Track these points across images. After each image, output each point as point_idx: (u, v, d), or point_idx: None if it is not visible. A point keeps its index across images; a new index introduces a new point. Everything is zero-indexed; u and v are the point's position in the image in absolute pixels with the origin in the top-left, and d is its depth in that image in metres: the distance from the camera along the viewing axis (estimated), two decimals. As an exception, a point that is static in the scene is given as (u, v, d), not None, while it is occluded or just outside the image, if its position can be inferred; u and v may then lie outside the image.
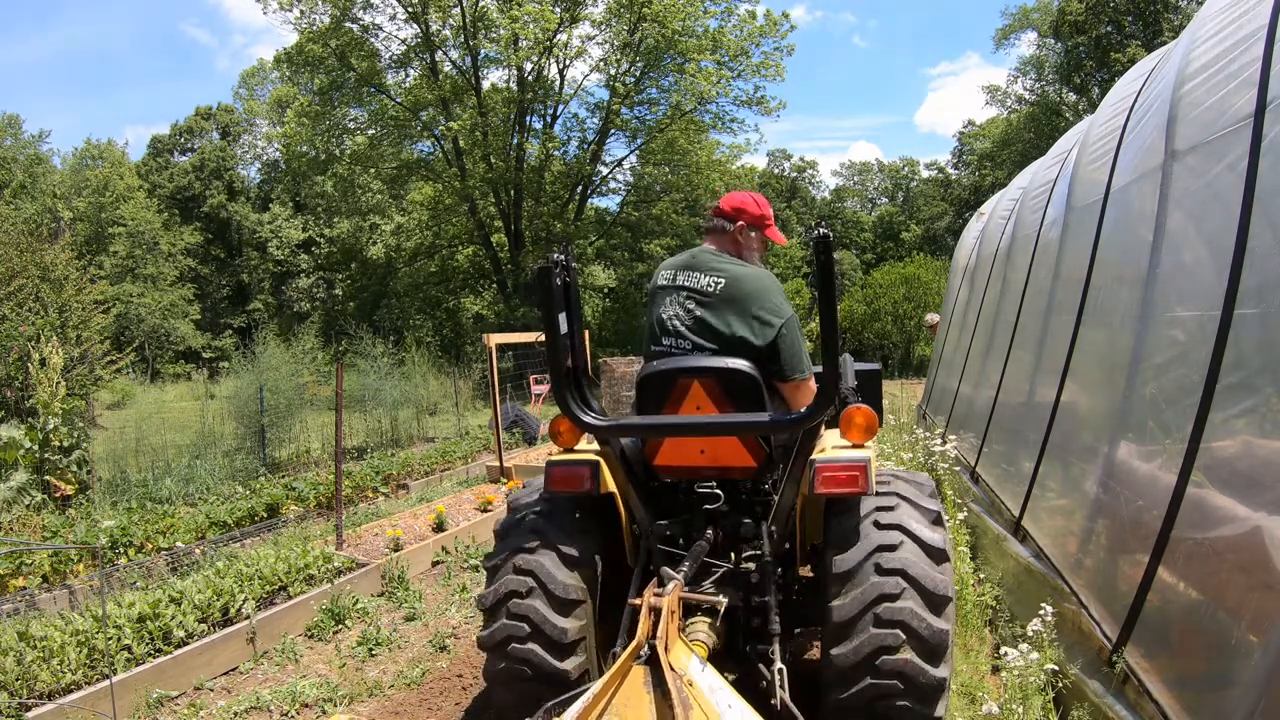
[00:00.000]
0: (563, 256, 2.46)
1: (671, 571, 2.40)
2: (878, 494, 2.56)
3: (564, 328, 2.47)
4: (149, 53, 72.73)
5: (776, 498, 2.66)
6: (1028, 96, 34.95)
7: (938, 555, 2.42)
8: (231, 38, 70.91)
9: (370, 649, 4.28)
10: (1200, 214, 2.85)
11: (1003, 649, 3.08)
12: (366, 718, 3.60)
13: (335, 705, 3.69)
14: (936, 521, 2.51)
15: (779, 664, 2.44)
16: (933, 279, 22.89)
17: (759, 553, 2.67)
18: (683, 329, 2.70)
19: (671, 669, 1.87)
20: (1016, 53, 54.01)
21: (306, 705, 3.69)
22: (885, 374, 4.46)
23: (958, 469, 6.22)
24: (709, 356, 2.63)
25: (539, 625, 2.59)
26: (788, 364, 2.65)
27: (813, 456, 2.51)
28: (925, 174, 47.71)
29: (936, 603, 2.34)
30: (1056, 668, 2.86)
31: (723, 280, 2.67)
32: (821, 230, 2.10)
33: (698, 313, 2.68)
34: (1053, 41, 30.81)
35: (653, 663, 1.91)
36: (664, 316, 2.75)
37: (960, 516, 4.98)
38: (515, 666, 2.62)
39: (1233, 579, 2.22)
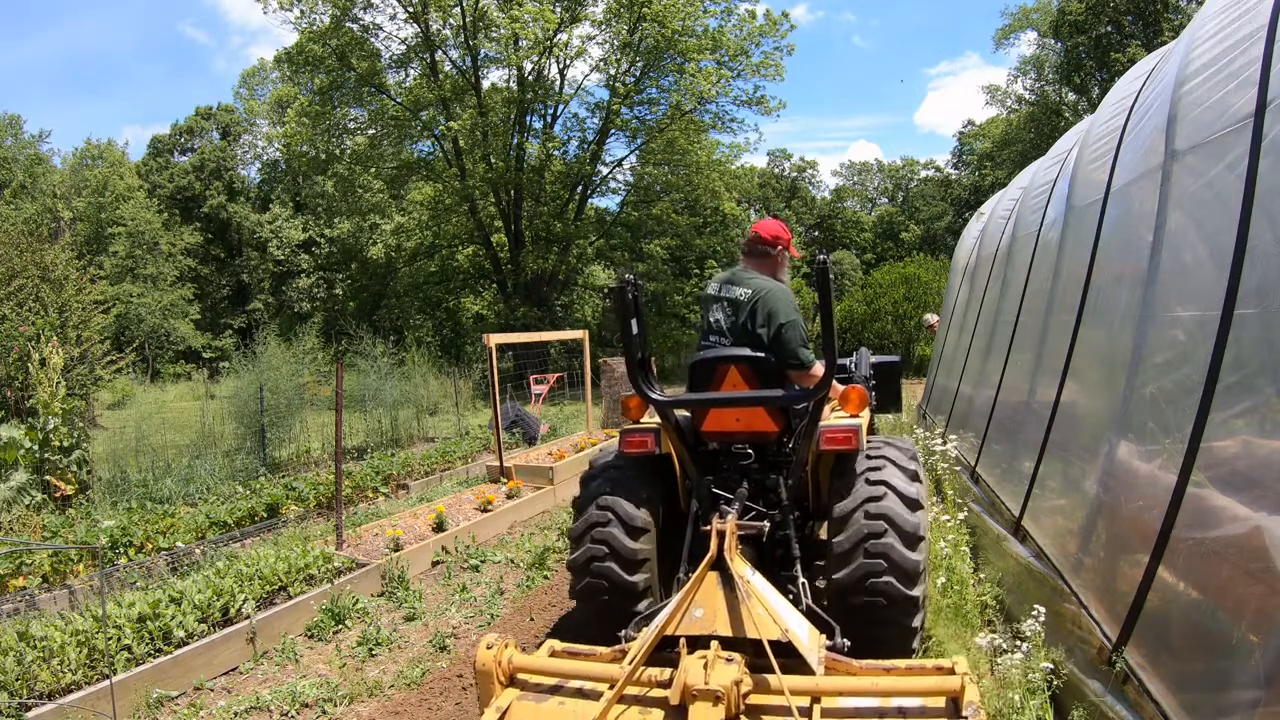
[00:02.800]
0: (632, 278, 3.22)
1: (727, 508, 3.08)
2: (869, 456, 3.32)
3: (635, 330, 3.20)
4: (148, 53, 72.58)
5: (795, 456, 3.34)
6: (1028, 96, 34.92)
7: (913, 504, 3.14)
8: (229, 38, 70.87)
9: (370, 649, 4.28)
10: (1200, 214, 2.85)
11: (995, 641, 3.09)
12: (367, 718, 3.60)
13: (335, 705, 3.70)
14: (914, 478, 3.24)
15: (801, 579, 3.20)
16: (933, 279, 22.82)
17: (781, 498, 3.37)
18: (724, 327, 3.56)
19: (736, 573, 2.66)
20: (1016, 52, 54.00)
21: (306, 705, 3.69)
22: (900, 375, 5.28)
23: (958, 469, 6.22)
24: (742, 348, 3.43)
25: (616, 549, 3.38)
26: (787, 356, 3.42)
27: (819, 423, 3.22)
28: (925, 174, 47.68)
29: (911, 540, 3.07)
30: (1051, 665, 2.87)
31: (748, 291, 3.53)
32: (821, 259, 2.80)
33: (731, 316, 3.55)
34: (1053, 41, 30.78)
35: (720, 569, 2.70)
36: (711, 319, 3.62)
37: (960, 516, 4.98)
38: (596, 582, 3.40)
39: (1233, 579, 2.21)
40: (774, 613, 2.56)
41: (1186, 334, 2.72)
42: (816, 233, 45.90)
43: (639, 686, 2.47)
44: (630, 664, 2.47)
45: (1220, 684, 2.17)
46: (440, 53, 21.30)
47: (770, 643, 2.39)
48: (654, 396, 3.27)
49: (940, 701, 2.33)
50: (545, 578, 5.43)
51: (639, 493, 3.50)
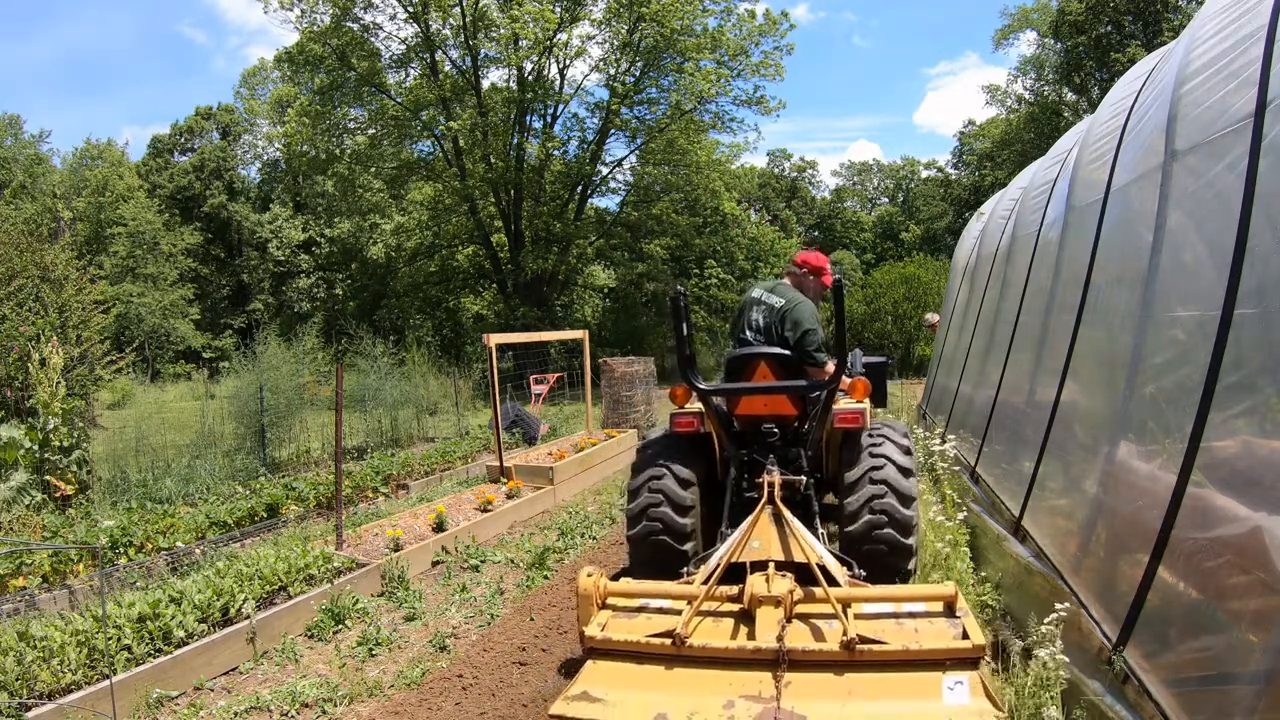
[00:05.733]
0: (682, 290, 4.02)
1: (772, 466, 3.89)
2: (871, 435, 4.14)
3: (685, 332, 3.93)
4: (147, 53, 72.42)
5: (809, 434, 4.14)
6: (1028, 96, 34.89)
7: (907, 472, 3.95)
8: (226, 39, 70.85)
9: (370, 649, 4.29)
10: (1200, 214, 2.85)
11: (1029, 645, 3.09)
12: (367, 718, 3.60)
13: (335, 705, 3.70)
14: (907, 452, 4.05)
15: (822, 530, 3.94)
16: (933, 279, 22.78)
17: (802, 466, 4.14)
18: (760, 326, 4.38)
19: (785, 513, 3.56)
20: (1016, 52, 54.03)
21: (306, 705, 3.69)
22: (886, 374, 6.03)
23: (957, 469, 6.22)
24: (771, 347, 4.25)
25: (670, 496, 4.13)
26: (806, 356, 4.23)
27: (833, 407, 4.05)
28: (925, 174, 47.64)
29: (906, 500, 3.86)
30: (1066, 658, 2.88)
31: (783, 301, 4.37)
32: (837, 279, 3.70)
33: (765, 320, 4.38)
34: (1052, 41, 30.75)
35: (771, 510, 3.61)
36: (750, 318, 4.42)
37: (960, 516, 4.98)
38: (651, 525, 4.10)
39: (1233, 579, 2.21)
40: (811, 544, 3.40)
41: (1186, 334, 2.71)
42: (816, 233, 45.89)
43: (712, 601, 3.22)
44: (706, 583, 3.23)
45: (1220, 684, 2.17)
46: (440, 53, 21.28)
47: (809, 566, 3.25)
48: (700, 386, 4.00)
49: (939, 606, 3.08)
50: (545, 578, 5.43)
51: (686, 459, 4.29)
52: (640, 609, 3.30)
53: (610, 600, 3.33)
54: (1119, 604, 2.79)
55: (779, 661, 2.87)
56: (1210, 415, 2.42)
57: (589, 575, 3.25)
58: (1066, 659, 2.92)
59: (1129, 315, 3.26)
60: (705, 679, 2.93)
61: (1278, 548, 2.00)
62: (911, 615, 3.07)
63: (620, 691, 2.94)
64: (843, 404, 4.21)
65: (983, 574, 4.57)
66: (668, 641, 2.98)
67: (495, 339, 8.07)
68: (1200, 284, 2.71)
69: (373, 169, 23.25)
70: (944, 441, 6.62)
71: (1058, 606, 3.03)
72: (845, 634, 2.83)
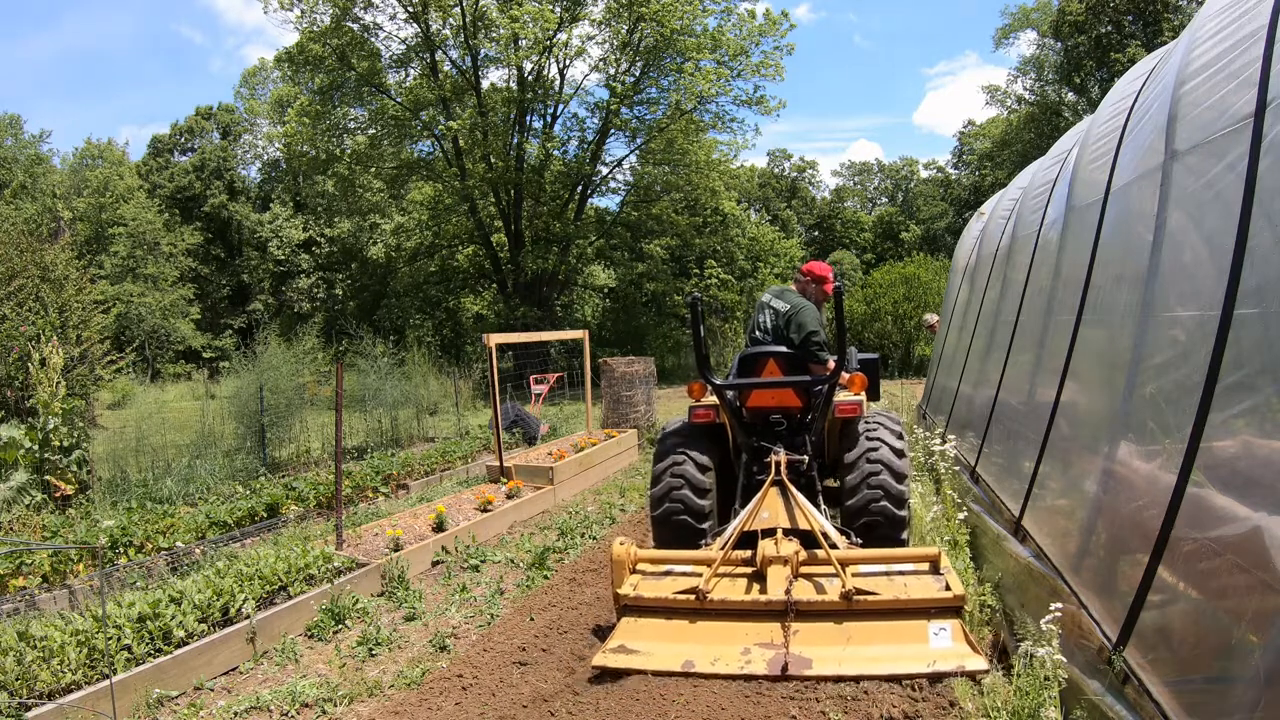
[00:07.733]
0: (698, 295, 4.60)
1: (778, 448, 4.46)
2: (867, 423, 4.66)
3: (701, 333, 4.61)
4: (146, 53, 72.32)
5: (813, 423, 4.66)
6: (1027, 96, 34.84)
7: (899, 453, 4.45)
8: (224, 39, 70.80)
9: (370, 649, 4.29)
10: (1200, 214, 2.85)
11: (1021, 647, 3.10)
12: (367, 718, 3.60)
13: (335, 705, 3.70)
14: (899, 436, 4.57)
15: (824, 508, 4.39)
16: (933, 279, 22.76)
17: (805, 449, 4.62)
18: (768, 328, 4.93)
19: (790, 487, 4.08)
20: (1016, 52, 54.00)
21: (306, 705, 3.69)
22: (885, 374, 6.37)
23: (957, 469, 6.22)
24: (778, 346, 4.77)
25: (689, 479, 4.58)
26: (810, 354, 4.71)
27: (833, 399, 4.57)
28: (925, 174, 47.60)
29: (899, 477, 4.36)
30: (1064, 659, 2.88)
31: (788, 306, 4.91)
32: (837, 285, 4.46)
33: (773, 322, 4.92)
34: (1053, 41, 30.72)
35: (778, 485, 4.12)
36: (759, 320, 5.00)
37: (960, 516, 4.98)
38: (674, 505, 4.55)
39: (1233, 579, 2.21)
40: (814, 514, 3.88)
41: (1186, 334, 2.71)
42: (816, 233, 45.85)
43: (728, 564, 3.69)
44: (724, 549, 3.71)
45: (1220, 684, 2.17)
46: (440, 53, 21.27)
47: (811, 533, 3.70)
48: (715, 382, 4.58)
49: (925, 565, 3.53)
50: (545, 577, 5.43)
51: (703, 446, 4.73)
52: (666, 572, 3.75)
53: (640, 565, 3.80)
54: (1119, 604, 2.79)
55: (787, 612, 3.30)
56: (1210, 415, 2.42)
57: (621, 544, 3.69)
58: (1065, 659, 2.92)
59: (1129, 315, 3.26)
60: (724, 630, 3.38)
61: (1278, 548, 2.00)
62: (901, 573, 3.51)
63: (652, 643, 3.43)
64: (842, 396, 4.70)
65: (983, 574, 4.57)
66: (692, 598, 3.42)
67: (495, 339, 8.07)
68: (1200, 284, 2.71)
69: (373, 169, 23.24)
70: (944, 441, 6.62)
71: (1053, 606, 3.03)
72: (844, 587, 3.25)
